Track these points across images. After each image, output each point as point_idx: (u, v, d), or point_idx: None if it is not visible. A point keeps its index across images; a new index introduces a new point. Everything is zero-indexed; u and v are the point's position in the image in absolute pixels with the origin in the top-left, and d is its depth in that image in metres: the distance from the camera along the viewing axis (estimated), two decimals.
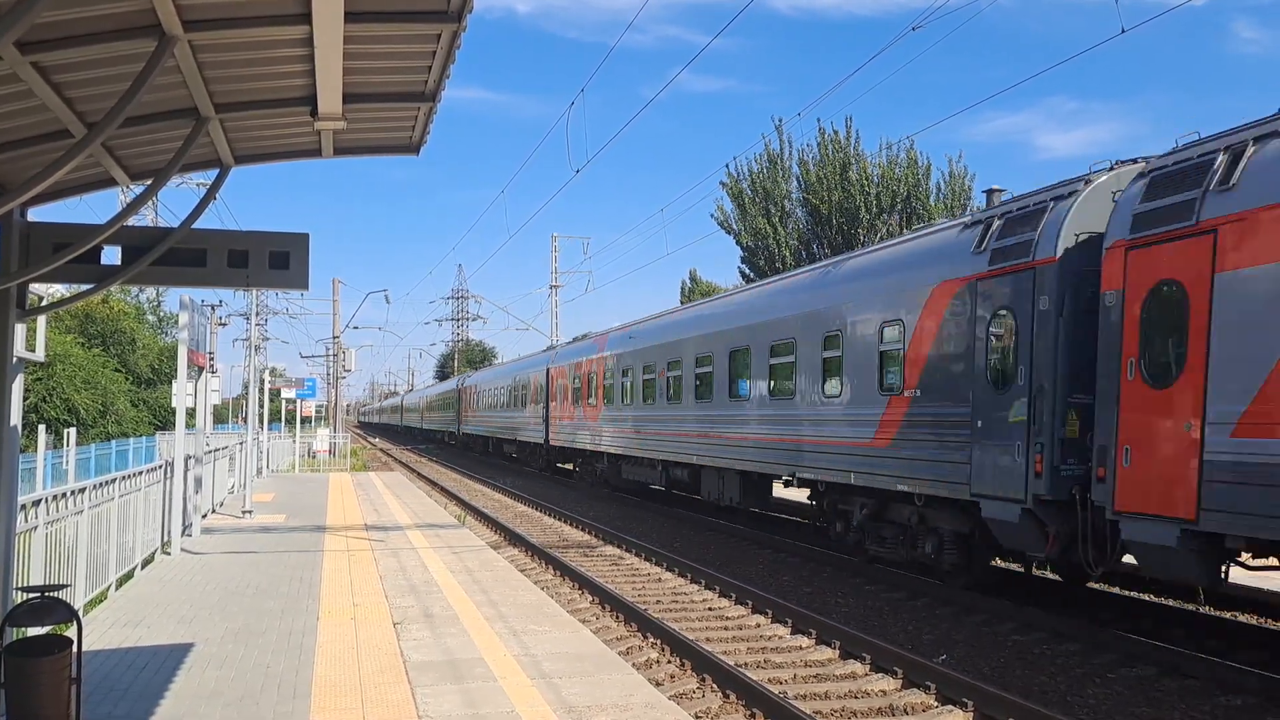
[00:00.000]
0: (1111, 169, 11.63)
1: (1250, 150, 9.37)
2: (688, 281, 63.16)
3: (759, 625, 12.61)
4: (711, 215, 46.56)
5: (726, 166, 46.63)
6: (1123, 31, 14.94)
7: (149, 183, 7.23)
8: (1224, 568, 9.92)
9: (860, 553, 15.90)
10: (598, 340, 30.83)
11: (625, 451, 27.27)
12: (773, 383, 18.32)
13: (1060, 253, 11.38)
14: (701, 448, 21.63)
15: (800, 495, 19.25)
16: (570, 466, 36.08)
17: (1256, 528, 8.88)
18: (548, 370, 36.23)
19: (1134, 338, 10.22)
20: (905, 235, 17.40)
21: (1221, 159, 9.61)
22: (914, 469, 13.71)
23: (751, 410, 19.14)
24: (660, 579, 16.06)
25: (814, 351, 16.65)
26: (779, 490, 20.60)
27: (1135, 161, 11.48)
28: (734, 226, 45.38)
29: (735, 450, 19.80)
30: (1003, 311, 12.18)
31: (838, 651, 11.03)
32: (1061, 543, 11.42)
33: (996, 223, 12.68)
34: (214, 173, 7.51)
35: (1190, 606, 12.91)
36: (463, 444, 60.75)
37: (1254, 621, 12.23)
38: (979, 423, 12.41)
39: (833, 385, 16.11)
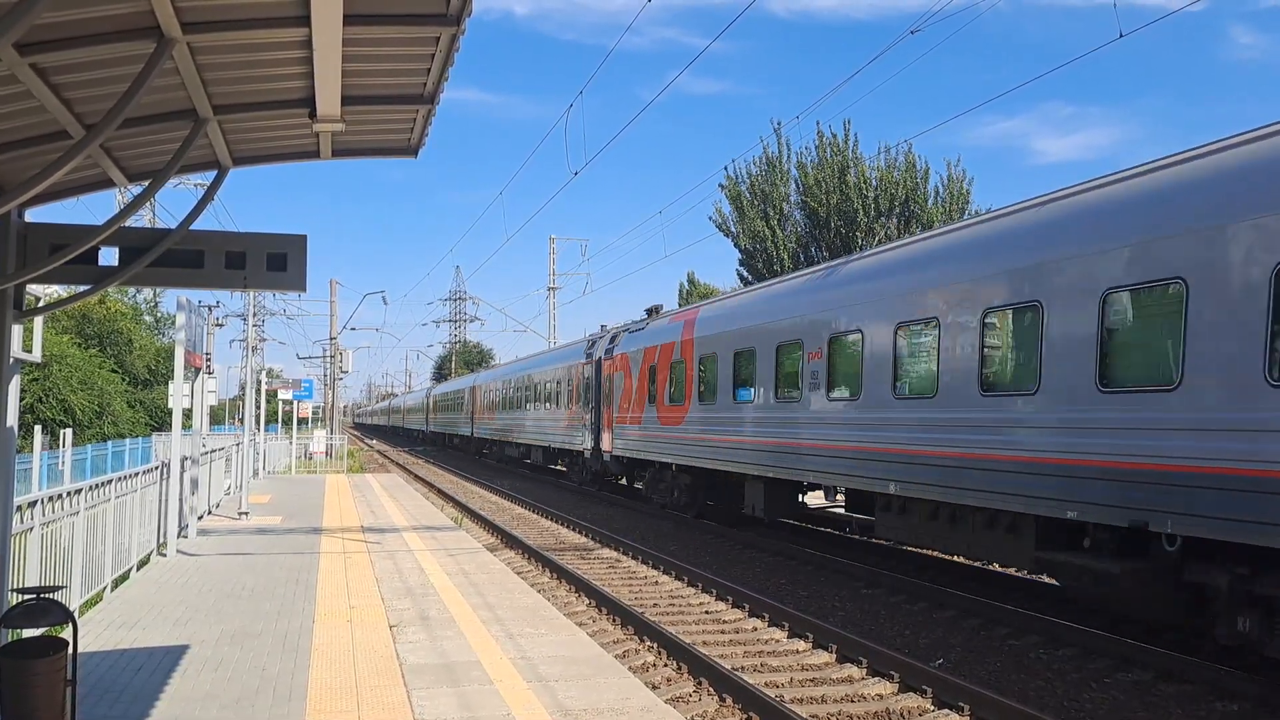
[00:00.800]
0: (611, 328, 30.81)
1: (624, 333, 27.46)
2: (685, 284, 63.10)
3: (756, 629, 12.60)
4: (709, 218, 46.64)
5: (725, 169, 46.69)
6: (1121, 36, 14.95)
7: (147, 184, 7.23)
8: (636, 474, 27.74)
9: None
10: (491, 371, 53.98)
11: (503, 439, 46.36)
12: (544, 404, 36.54)
13: (599, 358, 28.76)
14: (527, 437, 40.17)
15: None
16: (486, 451, 55.01)
17: (629, 452, 25.82)
18: (473, 387, 55.09)
19: (602, 390, 28.26)
20: (561, 344, 41.27)
21: (618, 334, 28.32)
22: (573, 440, 31.98)
23: (533, 415, 38.68)
24: (657, 582, 16.06)
25: (545, 390, 36.43)
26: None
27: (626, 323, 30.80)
28: (732, 229, 45.40)
29: (535, 435, 38.61)
30: (588, 377, 29.77)
31: (834, 655, 11.03)
32: (601, 466, 29.30)
33: (590, 343, 31.24)
34: (212, 174, 7.51)
35: None
36: (430, 439, 77.73)
37: None
38: (585, 420, 30.10)
39: (550, 405, 35.44)
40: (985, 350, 12.26)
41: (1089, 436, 10.32)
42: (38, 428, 27.91)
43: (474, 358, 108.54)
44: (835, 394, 15.58)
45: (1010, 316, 12.00)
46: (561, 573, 16.23)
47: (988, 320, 12.20)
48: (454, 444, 65.52)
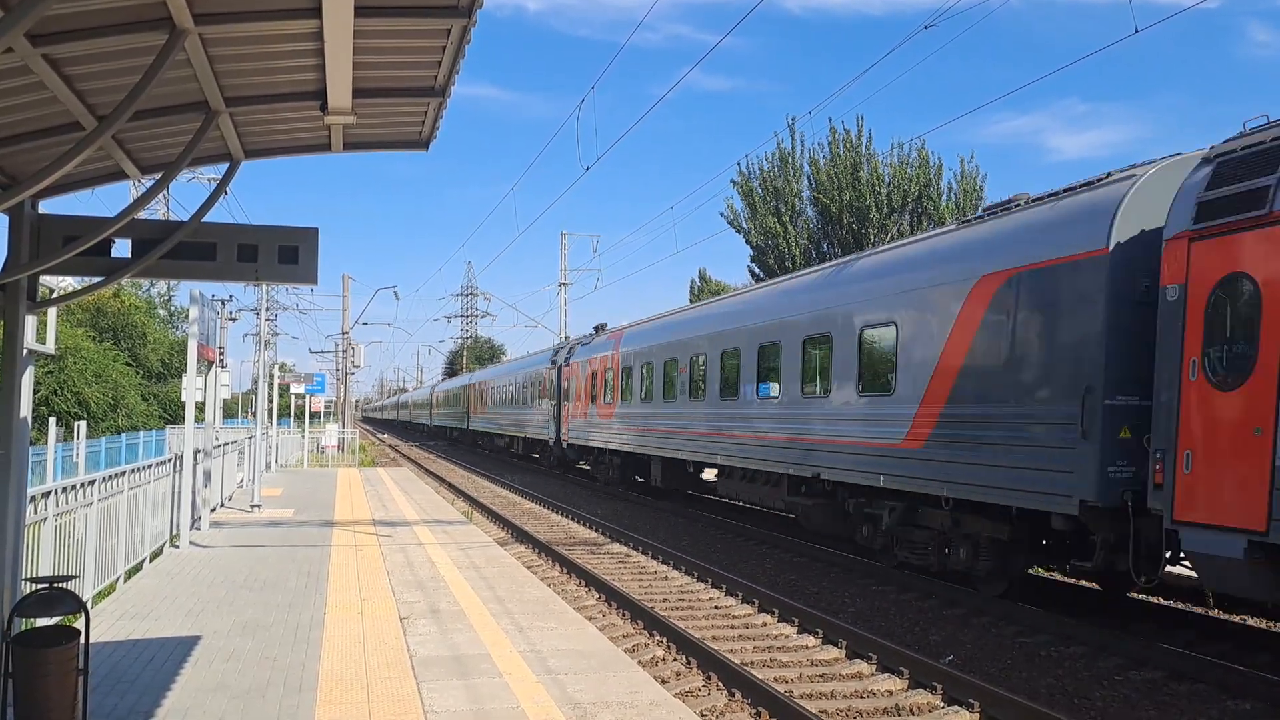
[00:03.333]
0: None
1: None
2: (697, 281, 63.15)
3: (765, 624, 12.59)
4: (721, 214, 46.56)
5: (738, 164, 46.64)
6: (1136, 31, 14.80)
7: (159, 176, 7.25)
8: None
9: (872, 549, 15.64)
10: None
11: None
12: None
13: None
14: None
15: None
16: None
17: None
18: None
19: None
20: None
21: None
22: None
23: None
24: (667, 577, 16.06)
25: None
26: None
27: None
28: (744, 225, 45.32)
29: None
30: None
31: (844, 651, 11.01)
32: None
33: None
34: (224, 166, 7.53)
35: (1199, 610, 12.85)
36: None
37: (1263, 625, 12.17)
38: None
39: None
40: None
41: None
42: (52, 420, 28.06)
43: (485, 353, 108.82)
44: None
45: None
46: (571, 567, 16.24)
47: None
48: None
